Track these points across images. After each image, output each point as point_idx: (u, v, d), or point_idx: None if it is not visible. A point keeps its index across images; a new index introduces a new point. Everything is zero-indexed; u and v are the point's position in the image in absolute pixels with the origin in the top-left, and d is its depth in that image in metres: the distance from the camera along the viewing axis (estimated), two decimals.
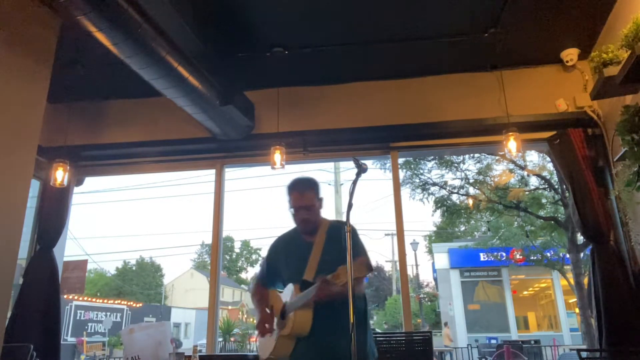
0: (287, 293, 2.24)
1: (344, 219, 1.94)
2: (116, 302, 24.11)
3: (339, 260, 1.89)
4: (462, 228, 19.71)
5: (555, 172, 8.93)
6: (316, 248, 2.22)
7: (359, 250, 2.17)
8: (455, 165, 9.93)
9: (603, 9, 3.33)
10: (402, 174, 9.96)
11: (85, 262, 4.49)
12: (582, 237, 7.85)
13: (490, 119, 3.82)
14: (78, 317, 19.42)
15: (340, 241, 2.14)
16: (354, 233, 2.22)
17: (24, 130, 2.95)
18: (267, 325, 2.26)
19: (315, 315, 2.07)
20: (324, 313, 2.06)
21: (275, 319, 2.27)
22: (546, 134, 3.79)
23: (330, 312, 2.03)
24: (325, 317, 2.06)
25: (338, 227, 2.30)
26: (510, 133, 3.54)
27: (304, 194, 2.25)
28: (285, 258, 2.34)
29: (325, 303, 2.01)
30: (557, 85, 3.85)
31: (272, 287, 2.41)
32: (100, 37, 2.65)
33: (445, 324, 16.44)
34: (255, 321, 2.43)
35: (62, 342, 4.05)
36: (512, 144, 3.53)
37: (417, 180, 10.31)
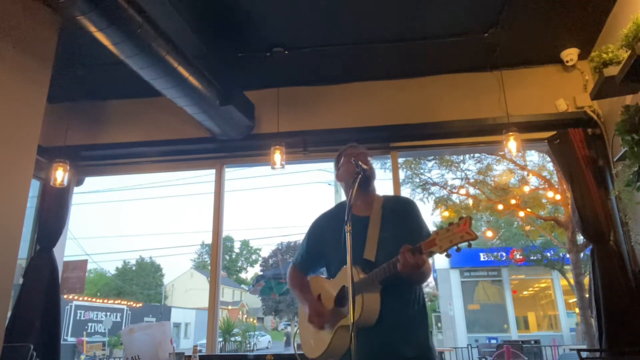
0: (343, 276, 1.91)
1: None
2: (116, 302, 24.14)
3: (400, 237, 1.72)
4: None
5: (555, 172, 8.94)
6: (373, 223, 1.94)
7: (425, 230, 1.94)
8: (455, 165, 9.93)
9: (603, 9, 3.33)
10: (402, 173, 9.97)
11: (85, 262, 4.49)
12: (582, 237, 7.85)
13: (490, 119, 3.82)
14: (78, 317, 19.44)
15: (399, 216, 1.98)
16: (416, 208, 2.05)
17: (24, 130, 2.95)
18: (323, 314, 1.91)
19: (383, 299, 1.78)
20: (390, 298, 1.79)
21: (331, 308, 1.93)
22: (546, 134, 3.79)
23: (396, 298, 1.81)
24: (392, 303, 1.79)
25: (394, 200, 2.12)
26: (510, 133, 3.54)
27: (357, 147, 2.14)
28: (332, 235, 2.00)
29: (392, 286, 1.77)
30: (557, 85, 3.85)
31: (312, 273, 2.15)
32: (101, 37, 2.65)
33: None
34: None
35: (62, 342, 4.05)
36: (512, 144, 3.53)
37: (417, 180, 10.32)
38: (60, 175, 3.80)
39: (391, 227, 1.93)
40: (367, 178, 1.99)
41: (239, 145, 4.14)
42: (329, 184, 14.48)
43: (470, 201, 10.42)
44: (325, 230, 2.10)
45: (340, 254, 1.82)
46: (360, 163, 1.91)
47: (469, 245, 1.55)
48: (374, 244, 1.89)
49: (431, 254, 1.62)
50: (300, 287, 2.11)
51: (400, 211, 2.01)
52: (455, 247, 1.55)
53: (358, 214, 1.97)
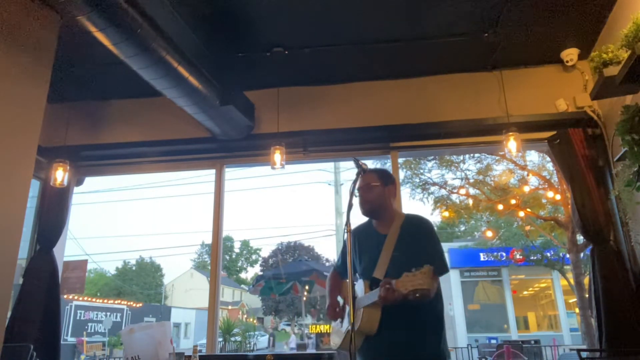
0: (359, 288, 2.16)
1: (344, 219, 1.94)
2: (116, 302, 24.13)
3: (411, 258, 1.82)
4: (462, 228, 19.70)
5: (555, 172, 8.93)
6: (388, 242, 2.13)
7: (432, 253, 2.07)
8: (455, 165, 9.92)
9: (603, 9, 3.33)
10: (402, 173, 9.95)
11: (85, 262, 4.49)
12: (582, 237, 7.84)
13: (490, 119, 3.82)
14: (78, 317, 19.43)
15: (415, 237, 2.12)
16: (430, 230, 2.17)
17: (24, 130, 2.94)
18: (337, 309, 2.24)
19: (384, 313, 2.00)
20: (393, 311, 1.99)
21: (347, 309, 2.20)
22: (546, 134, 3.79)
23: (400, 311, 1.98)
24: (394, 316, 1.99)
25: (415, 221, 2.22)
26: (510, 133, 3.54)
27: (364, 176, 2.20)
28: (358, 250, 2.25)
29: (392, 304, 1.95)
30: (557, 85, 3.85)
31: (346, 278, 2.38)
32: (101, 37, 2.65)
33: None
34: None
35: (62, 342, 4.05)
36: (512, 144, 3.53)
37: (417, 180, 10.31)
38: (60, 175, 3.80)
39: (404, 247, 2.09)
40: (371, 206, 2.22)
41: (239, 145, 4.15)
42: (329, 184, 14.48)
43: (470, 201, 10.41)
44: (354, 243, 2.30)
45: (361, 266, 2.19)
46: (360, 163, 2.03)
47: (418, 296, 1.75)
48: (384, 263, 2.08)
49: (399, 291, 1.78)
50: (331, 285, 2.39)
51: (415, 233, 2.15)
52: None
53: (378, 231, 2.22)
